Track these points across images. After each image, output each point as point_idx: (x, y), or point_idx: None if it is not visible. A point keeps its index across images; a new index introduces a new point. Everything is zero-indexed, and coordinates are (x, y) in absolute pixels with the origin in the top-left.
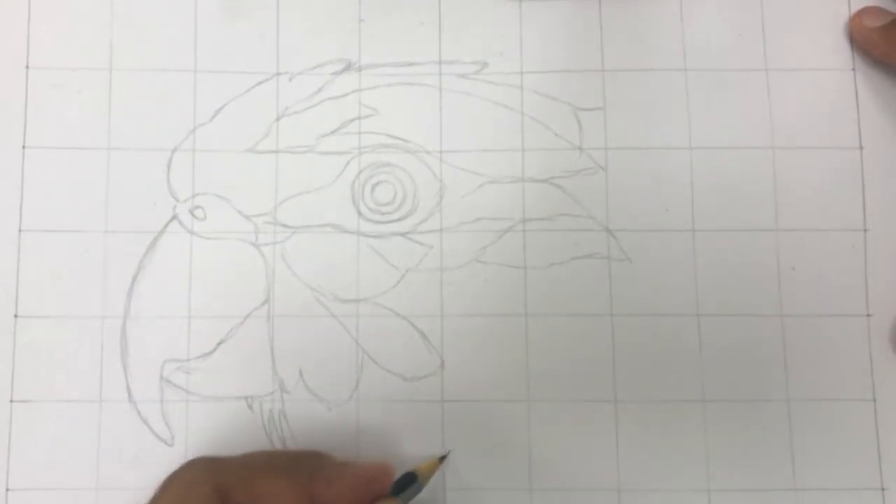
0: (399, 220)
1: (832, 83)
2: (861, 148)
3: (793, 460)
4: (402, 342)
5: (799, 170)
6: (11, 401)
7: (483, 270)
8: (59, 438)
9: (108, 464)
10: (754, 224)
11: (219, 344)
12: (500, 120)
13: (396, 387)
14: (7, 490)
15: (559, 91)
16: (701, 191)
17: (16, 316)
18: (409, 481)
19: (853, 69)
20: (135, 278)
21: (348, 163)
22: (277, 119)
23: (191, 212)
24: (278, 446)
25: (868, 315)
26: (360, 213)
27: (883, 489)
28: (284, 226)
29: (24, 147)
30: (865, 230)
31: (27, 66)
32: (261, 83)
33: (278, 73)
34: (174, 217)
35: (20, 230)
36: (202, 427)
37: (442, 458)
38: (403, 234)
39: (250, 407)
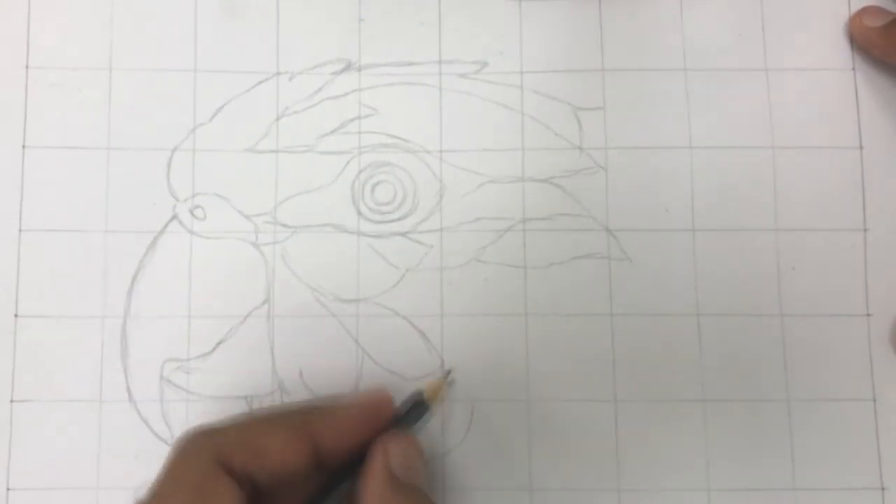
0: (399, 219)
1: (832, 83)
2: (861, 148)
3: (793, 460)
4: (402, 342)
5: (799, 170)
6: (11, 401)
7: (483, 270)
8: (59, 438)
9: (108, 464)
10: (754, 224)
11: (219, 344)
12: (500, 120)
13: (396, 387)
14: (7, 490)
15: (559, 91)
16: (701, 191)
17: (16, 316)
18: (415, 404)
19: (853, 69)
20: (135, 278)
21: (348, 163)
22: (277, 119)
23: (191, 212)
24: None
25: (868, 315)
26: (360, 213)
27: (883, 489)
28: (284, 226)
29: (24, 147)
30: (865, 230)
31: (27, 66)
32: (261, 83)
33: (278, 73)
34: (174, 217)
35: (20, 230)
36: None
37: (446, 375)
38: (403, 234)
39: (250, 407)
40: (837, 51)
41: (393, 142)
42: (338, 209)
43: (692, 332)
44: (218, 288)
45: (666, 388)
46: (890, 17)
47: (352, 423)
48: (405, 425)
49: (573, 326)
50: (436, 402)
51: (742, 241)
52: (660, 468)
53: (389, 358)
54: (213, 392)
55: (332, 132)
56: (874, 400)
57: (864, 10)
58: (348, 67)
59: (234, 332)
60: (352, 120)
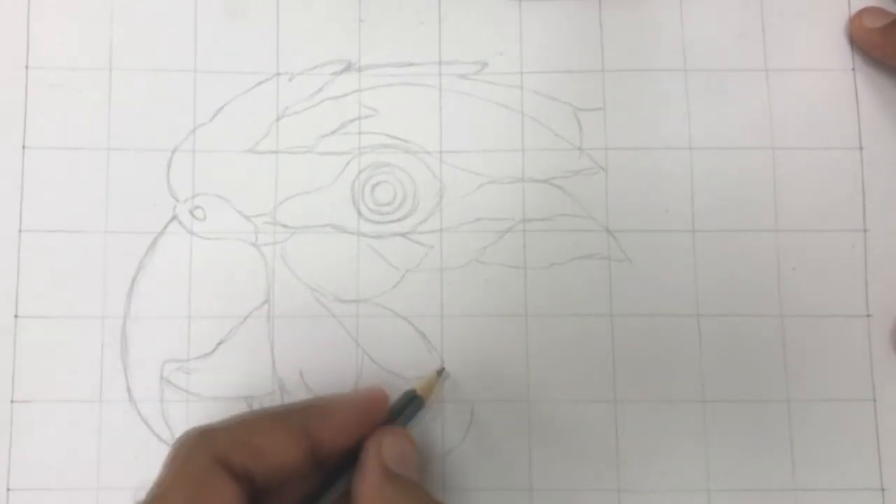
0: (399, 220)
1: (832, 83)
2: (861, 148)
3: (793, 460)
4: (402, 342)
5: (799, 170)
6: (12, 401)
7: (483, 270)
8: (59, 438)
9: (108, 464)
10: (754, 224)
11: (219, 344)
12: (500, 120)
13: (396, 387)
14: (7, 490)
15: (559, 91)
16: (701, 191)
17: (16, 316)
18: (408, 401)
19: (853, 69)
20: (135, 278)
21: (348, 163)
22: (277, 119)
23: (191, 212)
24: None
25: (868, 315)
26: (360, 214)
27: (883, 489)
28: (284, 226)
29: (24, 147)
30: (865, 230)
31: (27, 66)
32: (261, 83)
33: (278, 73)
34: (174, 217)
35: (20, 230)
36: None
37: (440, 372)
38: (403, 235)
39: (250, 407)
40: (837, 51)
41: (393, 142)
42: (338, 210)
43: (692, 333)
44: (218, 288)
45: (666, 388)
46: (890, 18)
47: (348, 420)
48: (399, 421)
49: (573, 327)
50: (429, 397)
51: (742, 241)
52: (660, 468)
53: (389, 358)
54: (213, 392)
55: (332, 133)
56: (874, 400)
57: (864, 11)
58: (348, 68)
59: (234, 333)
60: (352, 120)
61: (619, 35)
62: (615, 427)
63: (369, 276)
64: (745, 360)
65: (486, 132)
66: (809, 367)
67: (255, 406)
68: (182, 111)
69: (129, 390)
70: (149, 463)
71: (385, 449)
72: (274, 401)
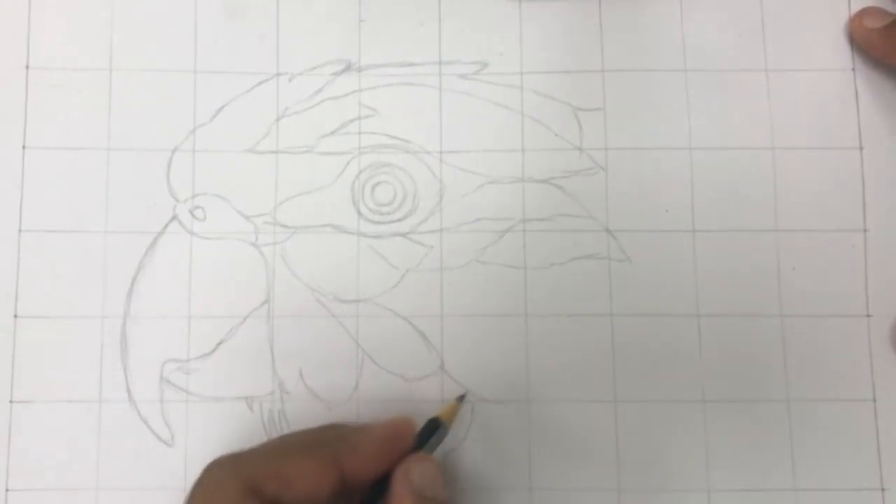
0: (399, 220)
1: (832, 83)
2: (861, 148)
3: (793, 460)
4: (402, 342)
5: (799, 170)
6: (11, 401)
7: (483, 270)
8: (59, 438)
9: (108, 464)
10: (754, 224)
11: (219, 344)
12: (500, 120)
13: (396, 387)
14: (7, 490)
15: (559, 91)
16: (701, 191)
17: (16, 316)
18: (433, 429)
19: (853, 69)
20: (135, 278)
21: (348, 163)
22: (277, 119)
23: (191, 212)
24: None
25: (868, 315)
26: (360, 214)
27: (883, 489)
28: (284, 226)
29: (24, 147)
30: (865, 230)
31: (27, 66)
32: (261, 83)
33: (278, 74)
34: (174, 217)
35: (20, 230)
36: (202, 427)
37: (460, 398)
38: (403, 235)
39: (250, 407)
40: (837, 51)
41: (393, 142)
42: (338, 210)
43: (692, 332)
44: (218, 288)
45: (666, 388)
46: (890, 19)
47: (377, 449)
48: (424, 448)
49: (573, 327)
50: (451, 423)
51: (742, 241)
52: (660, 468)
53: (389, 358)
54: (212, 392)
55: (332, 133)
56: (874, 400)
57: (865, 11)
58: (348, 68)
59: (234, 333)
60: (352, 120)
61: (619, 35)
62: (615, 427)
63: (369, 276)
64: (745, 360)
65: (486, 132)
66: (809, 367)
67: (255, 406)
68: (182, 111)
69: (128, 390)
70: (149, 463)
71: (415, 477)
72: (274, 400)
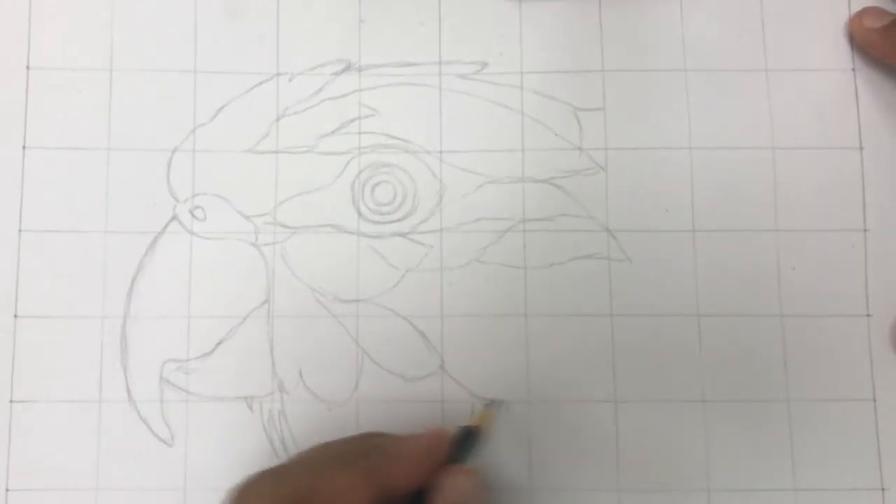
0: (399, 220)
1: (832, 83)
2: (861, 148)
3: (793, 460)
4: (402, 342)
5: (799, 170)
6: (11, 401)
7: (483, 270)
8: (59, 438)
9: (108, 464)
10: (754, 224)
11: (218, 344)
12: (500, 120)
13: (396, 387)
14: (7, 490)
15: (559, 91)
16: (701, 191)
17: (16, 316)
18: (468, 437)
19: (853, 69)
20: (135, 278)
21: (348, 163)
22: (277, 119)
23: (191, 212)
24: (278, 447)
25: (868, 315)
26: (360, 214)
27: (883, 489)
28: (284, 226)
29: (24, 147)
30: (865, 230)
31: (27, 66)
32: (261, 83)
33: (278, 73)
34: (174, 217)
35: (20, 230)
36: (202, 427)
37: (490, 404)
38: (403, 235)
39: (250, 407)
40: (837, 51)
41: (393, 142)
42: (338, 210)
43: (692, 332)
44: (218, 288)
45: (666, 388)
46: (890, 18)
47: (416, 462)
48: (461, 458)
49: (573, 326)
50: (487, 430)
51: (742, 241)
52: (660, 468)
53: (389, 358)
54: (212, 392)
55: (332, 133)
56: (874, 400)
57: (864, 11)
58: (348, 68)
59: (234, 332)
60: (352, 120)
61: (619, 35)
62: (615, 427)
63: (369, 276)
64: (745, 360)
65: (486, 132)
66: (809, 367)
67: (255, 406)
68: (182, 111)
69: (128, 390)
70: (148, 463)
71: (456, 488)
72: (274, 400)
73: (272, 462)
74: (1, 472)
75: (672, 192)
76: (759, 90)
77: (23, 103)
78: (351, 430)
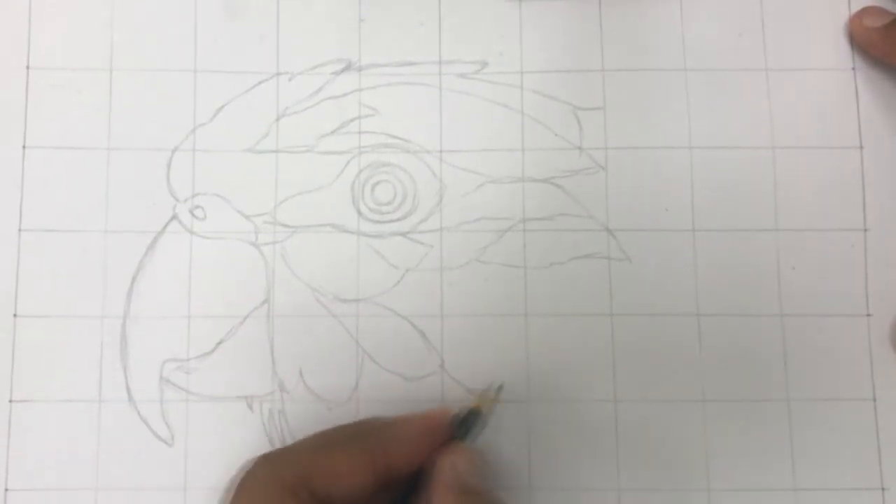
0: (399, 220)
1: (832, 83)
2: (861, 148)
3: (793, 460)
4: (402, 342)
5: (799, 170)
6: (11, 401)
7: (483, 270)
8: (59, 438)
9: (108, 464)
10: (754, 224)
11: (219, 344)
12: (500, 120)
13: (396, 387)
14: (6, 490)
15: (559, 91)
16: (701, 191)
17: (15, 316)
18: (471, 418)
19: (853, 69)
20: (135, 278)
21: (348, 163)
22: (277, 119)
23: (191, 212)
24: (278, 446)
25: (868, 315)
26: (360, 213)
27: (883, 489)
28: (284, 226)
29: (24, 147)
30: (865, 230)
31: (27, 66)
32: (261, 83)
33: (278, 73)
34: (174, 217)
35: (20, 230)
36: (202, 427)
37: (498, 388)
38: (403, 234)
39: (250, 407)
40: (837, 51)
41: (393, 142)
42: (338, 209)
43: (692, 332)
44: (218, 288)
45: (666, 388)
46: (890, 18)
47: (419, 439)
48: (461, 439)
49: (573, 326)
50: (489, 412)
51: (742, 241)
52: (660, 468)
53: (389, 358)
54: (212, 392)
55: (332, 132)
56: (874, 400)
57: (864, 11)
58: (348, 67)
59: (234, 332)
60: (352, 120)
61: (619, 35)
62: (615, 427)
63: (369, 275)
64: (745, 360)
65: (486, 132)
66: (809, 366)
67: (255, 406)
68: (182, 111)
69: (128, 390)
70: (148, 463)
71: (459, 467)
72: (274, 400)
73: None
74: (1, 472)
75: (672, 191)
76: (759, 90)
77: (23, 103)
78: None
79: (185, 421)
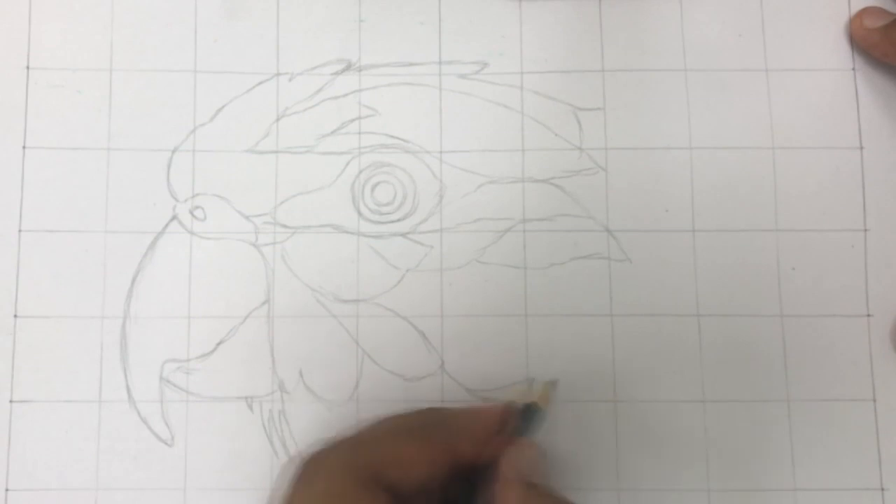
0: (399, 220)
1: (832, 83)
2: (861, 148)
3: (793, 460)
4: (402, 342)
5: (799, 170)
6: (11, 401)
7: (483, 270)
8: (59, 438)
9: (108, 464)
10: (754, 224)
11: (219, 344)
12: (500, 120)
13: (396, 387)
14: (7, 490)
15: (559, 91)
16: (701, 191)
17: (15, 316)
18: (531, 414)
19: (853, 69)
20: (135, 278)
21: (348, 163)
22: (277, 119)
23: (191, 212)
24: (278, 447)
25: (868, 315)
26: (360, 214)
27: (883, 489)
28: (284, 226)
29: (24, 147)
30: (865, 230)
31: (27, 66)
32: (261, 83)
33: (278, 73)
34: (174, 217)
35: (20, 230)
36: (202, 427)
37: (553, 384)
38: (403, 235)
39: (250, 407)
40: (837, 51)
41: (393, 142)
42: (338, 210)
43: (692, 332)
44: (218, 288)
45: (666, 388)
46: (890, 18)
47: (486, 434)
48: (525, 433)
49: (573, 327)
50: (548, 408)
51: (742, 241)
52: (660, 468)
53: (389, 358)
54: (213, 392)
55: (332, 133)
56: (874, 400)
57: (865, 11)
58: (348, 68)
59: (234, 333)
60: (352, 120)
61: (619, 35)
62: (615, 427)
63: (369, 276)
64: (745, 360)
65: (486, 132)
66: (809, 367)
67: (255, 406)
68: (182, 111)
69: (128, 390)
70: (148, 463)
71: (525, 461)
72: (274, 400)
73: (272, 462)
74: (1, 471)
75: (672, 192)
76: (759, 90)
77: (23, 103)
78: None
79: (186, 421)
